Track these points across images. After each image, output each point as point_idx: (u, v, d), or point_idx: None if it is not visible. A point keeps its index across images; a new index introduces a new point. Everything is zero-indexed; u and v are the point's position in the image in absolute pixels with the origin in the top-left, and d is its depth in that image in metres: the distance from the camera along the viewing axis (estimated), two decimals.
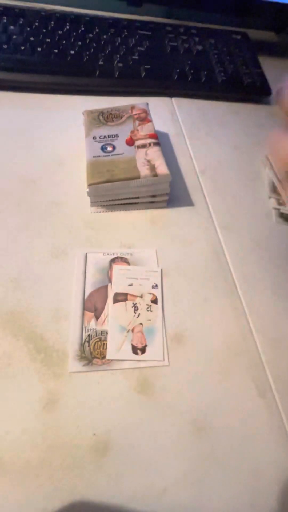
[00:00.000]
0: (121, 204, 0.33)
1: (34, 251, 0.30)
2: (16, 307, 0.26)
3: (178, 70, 0.47)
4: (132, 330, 0.26)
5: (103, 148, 0.33)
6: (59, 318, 0.26)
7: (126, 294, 0.27)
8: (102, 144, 0.34)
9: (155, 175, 0.31)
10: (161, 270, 0.30)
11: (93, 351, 0.24)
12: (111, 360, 0.24)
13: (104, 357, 0.24)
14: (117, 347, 0.25)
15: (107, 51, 0.46)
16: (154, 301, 0.27)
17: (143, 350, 0.25)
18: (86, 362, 0.24)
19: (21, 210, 0.32)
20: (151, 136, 0.34)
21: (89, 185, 0.31)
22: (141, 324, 0.26)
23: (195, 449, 0.22)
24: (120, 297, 0.27)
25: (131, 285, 0.28)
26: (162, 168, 0.31)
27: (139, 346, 0.25)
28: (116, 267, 0.29)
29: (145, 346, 0.25)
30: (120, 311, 0.26)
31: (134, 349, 0.25)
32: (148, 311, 0.27)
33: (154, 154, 0.32)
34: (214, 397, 0.24)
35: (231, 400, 0.24)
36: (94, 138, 0.34)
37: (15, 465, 0.20)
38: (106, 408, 0.23)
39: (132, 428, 0.22)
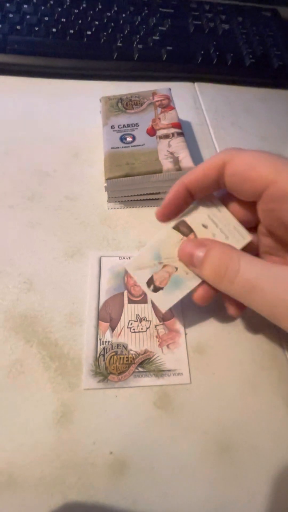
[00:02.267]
0: (141, 200, 0.31)
1: (48, 249, 0.28)
2: (30, 310, 0.25)
3: (202, 52, 0.43)
4: None
5: (122, 139, 0.31)
6: (74, 323, 0.25)
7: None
8: (121, 134, 0.31)
9: (179, 169, 0.28)
10: None
11: (108, 366, 0.23)
12: (128, 376, 0.22)
13: (120, 372, 0.23)
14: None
15: (125, 32, 0.43)
16: None
17: None
18: (102, 378, 0.22)
19: (34, 205, 0.30)
20: (174, 126, 0.31)
21: (107, 179, 0.29)
22: None
23: (219, 471, 0.20)
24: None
25: None
26: (186, 161, 0.29)
27: None
28: None
29: None
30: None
31: None
32: None
33: (178, 145, 0.30)
34: (240, 415, 0.22)
35: (259, 419, 0.22)
36: (112, 127, 0.32)
37: (28, 481, 0.19)
38: (124, 423, 0.21)
39: (151, 447, 0.21)
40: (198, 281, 0.22)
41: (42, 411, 0.21)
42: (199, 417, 0.22)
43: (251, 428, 0.22)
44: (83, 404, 0.22)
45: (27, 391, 0.22)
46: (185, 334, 0.25)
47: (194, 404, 0.22)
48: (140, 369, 0.23)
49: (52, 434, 0.21)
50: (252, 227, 0.23)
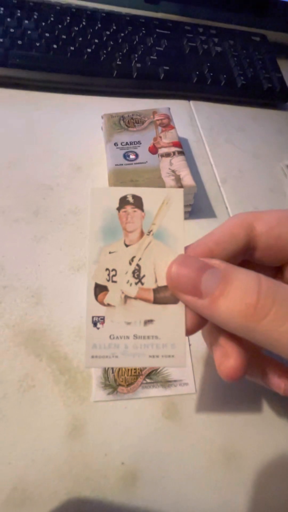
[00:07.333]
0: None
1: (54, 263, 0.29)
2: (38, 324, 0.25)
3: (197, 72, 0.45)
4: None
5: (125, 156, 0.32)
6: (82, 337, 0.25)
7: None
8: (124, 151, 0.32)
9: (181, 186, 0.30)
10: None
11: (117, 378, 0.23)
12: (137, 387, 0.23)
13: (129, 384, 0.23)
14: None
15: (124, 50, 0.44)
16: None
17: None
18: (111, 391, 0.23)
19: (39, 219, 0.31)
20: (175, 144, 0.33)
21: None
22: None
23: (226, 479, 0.21)
24: None
25: None
26: (187, 179, 0.30)
27: None
28: None
29: None
30: None
31: None
32: None
33: (179, 164, 0.31)
34: (244, 423, 0.23)
35: (264, 426, 0.23)
36: (115, 144, 0.33)
37: (42, 496, 0.20)
38: (134, 434, 0.22)
39: (161, 456, 0.22)
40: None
41: (54, 425, 0.22)
42: (205, 426, 0.23)
43: (257, 437, 0.23)
44: (94, 417, 0.22)
45: (38, 405, 0.22)
46: (189, 345, 0.26)
47: (200, 414, 0.23)
48: (148, 380, 0.24)
49: (64, 448, 0.21)
50: None
